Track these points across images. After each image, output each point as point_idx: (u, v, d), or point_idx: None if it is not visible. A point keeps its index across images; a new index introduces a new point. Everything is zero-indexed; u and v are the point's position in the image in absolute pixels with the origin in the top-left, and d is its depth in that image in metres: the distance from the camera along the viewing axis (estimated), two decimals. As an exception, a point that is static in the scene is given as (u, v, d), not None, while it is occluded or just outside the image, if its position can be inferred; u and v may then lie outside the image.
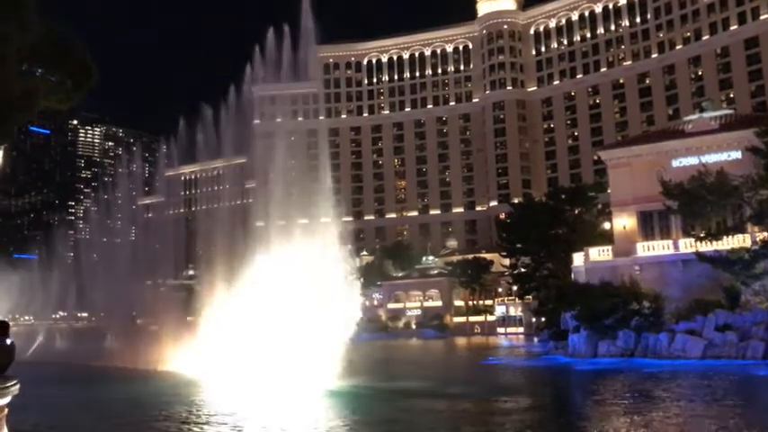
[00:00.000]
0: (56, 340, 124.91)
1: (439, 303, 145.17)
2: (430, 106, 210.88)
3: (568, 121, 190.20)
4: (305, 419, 30.66)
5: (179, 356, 64.98)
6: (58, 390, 46.09)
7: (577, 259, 74.10)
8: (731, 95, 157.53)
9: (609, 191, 78.59)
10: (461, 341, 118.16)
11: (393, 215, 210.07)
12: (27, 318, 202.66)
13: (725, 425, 25.42)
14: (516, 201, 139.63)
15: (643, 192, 66.78)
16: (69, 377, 58.50)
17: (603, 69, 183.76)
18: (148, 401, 38.06)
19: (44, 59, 8.82)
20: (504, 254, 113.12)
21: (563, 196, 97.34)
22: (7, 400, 8.95)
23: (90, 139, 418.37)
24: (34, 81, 8.80)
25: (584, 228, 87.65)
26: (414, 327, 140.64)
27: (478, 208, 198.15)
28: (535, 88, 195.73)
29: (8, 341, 11.49)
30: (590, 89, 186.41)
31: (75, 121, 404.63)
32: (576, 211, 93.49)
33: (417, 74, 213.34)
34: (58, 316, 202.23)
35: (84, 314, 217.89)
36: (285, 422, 29.73)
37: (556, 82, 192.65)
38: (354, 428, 28.28)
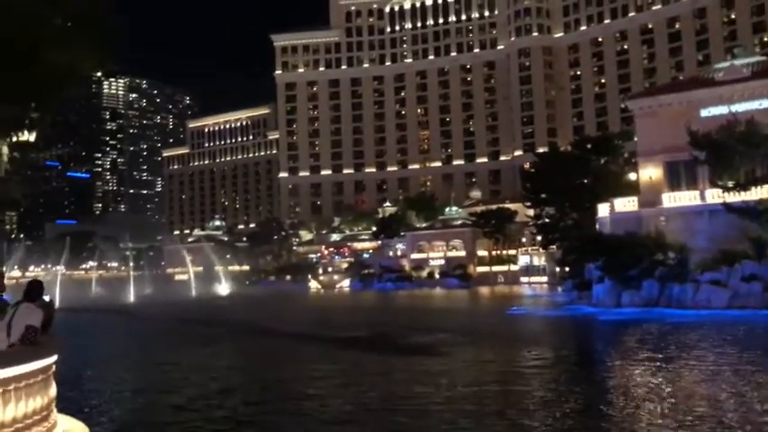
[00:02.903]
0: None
1: (462, 253, 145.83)
2: (454, 54, 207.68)
3: (595, 68, 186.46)
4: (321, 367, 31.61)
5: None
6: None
7: (602, 210, 73.80)
8: (765, 39, 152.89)
9: (635, 140, 77.61)
10: (485, 291, 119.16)
11: (416, 166, 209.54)
12: (58, 268, 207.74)
13: (752, 378, 25.69)
14: (541, 150, 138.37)
15: (670, 141, 65.82)
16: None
17: (632, 14, 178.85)
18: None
19: (80, 32, 9.08)
20: (529, 204, 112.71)
21: (588, 145, 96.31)
22: (54, 357, 9.46)
23: (114, 91, 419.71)
24: (77, 52, 9.08)
25: (609, 178, 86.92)
26: (437, 276, 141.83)
27: (503, 158, 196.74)
28: (561, 34, 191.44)
29: (46, 298, 11.84)
30: (618, 35, 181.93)
31: (98, 73, 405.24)
32: (602, 161, 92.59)
33: (441, 21, 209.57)
34: (88, 266, 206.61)
35: (114, 264, 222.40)
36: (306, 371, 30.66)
37: (583, 27, 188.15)
38: (371, 380, 29.12)
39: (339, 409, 22.52)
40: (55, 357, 9.44)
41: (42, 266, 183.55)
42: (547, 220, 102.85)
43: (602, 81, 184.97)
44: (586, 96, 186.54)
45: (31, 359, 8.33)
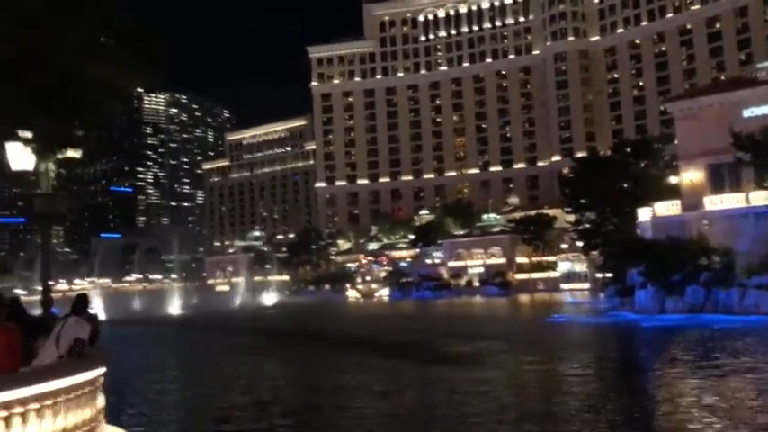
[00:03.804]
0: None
1: (501, 260, 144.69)
2: (489, 60, 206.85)
3: (633, 71, 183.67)
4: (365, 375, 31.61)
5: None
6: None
7: (643, 214, 72.54)
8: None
9: (676, 143, 76.17)
10: (525, 298, 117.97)
11: (453, 173, 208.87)
12: (104, 281, 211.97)
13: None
14: (580, 155, 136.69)
15: (712, 143, 64.43)
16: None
17: (670, 15, 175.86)
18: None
19: (124, 50, 9.35)
20: (568, 209, 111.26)
21: (628, 149, 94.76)
22: (102, 369, 9.65)
23: (155, 106, 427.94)
24: (121, 70, 9.35)
25: (650, 182, 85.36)
26: (476, 284, 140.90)
27: (540, 163, 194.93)
28: (598, 38, 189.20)
29: (92, 311, 12.08)
30: (656, 36, 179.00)
31: (139, 89, 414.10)
32: (642, 165, 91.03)
33: (475, 27, 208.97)
34: (133, 278, 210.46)
35: (157, 276, 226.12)
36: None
37: (619, 30, 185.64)
38: (411, 388, 29.04)
39: (375, 420, 22.41)
40: (102, 369, 9.65)
41: (88, 279, 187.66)
42: (587, 226, 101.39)
43: (641, 84, 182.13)
44: (625, 100, 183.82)
45: (79, 371, 8.53)
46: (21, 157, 11.83)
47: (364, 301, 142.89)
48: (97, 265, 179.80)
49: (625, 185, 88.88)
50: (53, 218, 12.46)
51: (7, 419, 7.15)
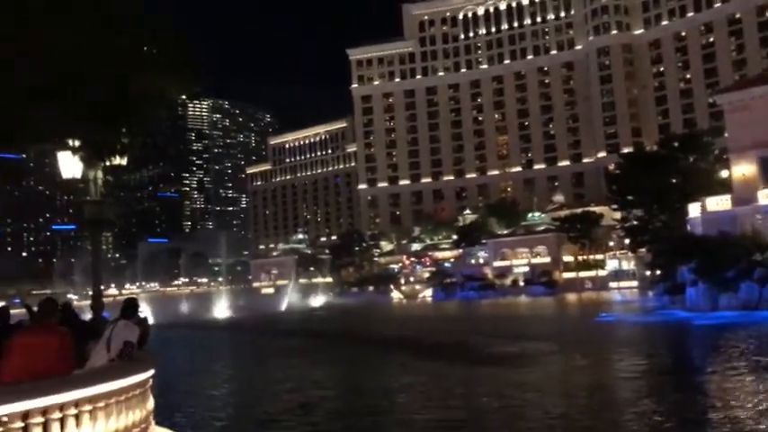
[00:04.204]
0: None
1: (547, 260, 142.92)
2: (530, 57, 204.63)
3: (680, 63, 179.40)
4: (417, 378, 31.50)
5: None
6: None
7: (693, 210, 70.83)
8: None
9: (726, 136, 74.15)
10: (572, 297, 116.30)
11: (496, 172, 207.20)
12: (152, 285, 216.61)
13: None
14: (626, 150, 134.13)
15: (765, 135, 62.52)
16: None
17: (717, 5, 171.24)
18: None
19: (168, 60, 9.49)
20: (615, 206, 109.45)
21: (676, 143, 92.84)
22: (151, 372, 9.77)
23: (198, 113, 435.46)
24: (164, 79, 9.51)
25: (699, 176, 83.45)
26: (522, 284, 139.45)
27: (585, 160, 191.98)
28: (642, 31, 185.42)
29: (141, 315, 12.26)
30: (703, 27, 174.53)
31: (183, 96, 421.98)
32: (691, 159, 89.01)
33: (515, 24, 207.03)
34: (180, 282, 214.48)
35: (204, 279, 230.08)
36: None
37: (664, 22, 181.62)
38: (466, 394, 28.79)
39: (418, 423, 22.22)
40: (152, 372, 9.78)
41: (137, 284, 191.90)
42: (635, 223, 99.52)
43: (688, 76, 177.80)
44: (671, 93, 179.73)
45: (130, 374, 8.65)
46: (70, 165, 12.12)
47: (408, 302, 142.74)
48: (145, 270, 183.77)
49: (674, 181, 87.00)
50: (102, 224, 12.72)
51: (62, 421, 7.28)
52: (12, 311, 13.06)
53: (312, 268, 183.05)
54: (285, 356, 45.83)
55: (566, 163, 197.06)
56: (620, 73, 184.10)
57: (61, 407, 7.27)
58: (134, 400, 8.75)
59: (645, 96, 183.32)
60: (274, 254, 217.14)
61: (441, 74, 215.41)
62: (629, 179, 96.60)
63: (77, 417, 7.52)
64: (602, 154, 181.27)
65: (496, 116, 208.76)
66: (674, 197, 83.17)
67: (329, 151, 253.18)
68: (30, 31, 7.53)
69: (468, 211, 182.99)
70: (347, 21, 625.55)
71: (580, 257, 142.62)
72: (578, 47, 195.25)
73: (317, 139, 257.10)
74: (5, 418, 6.73)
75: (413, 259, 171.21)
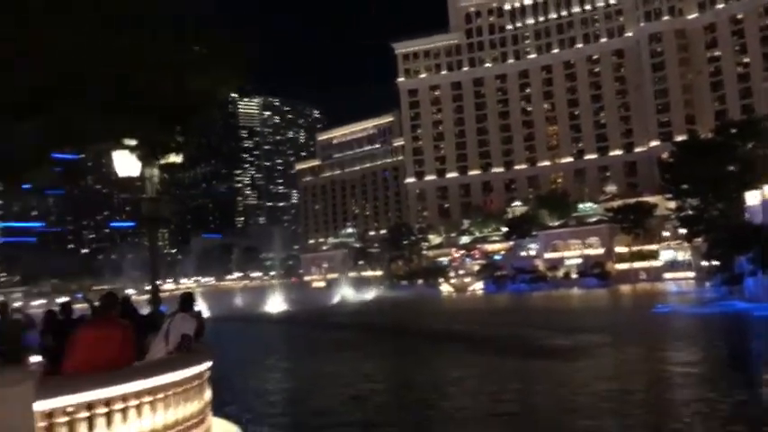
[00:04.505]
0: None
1: (600, 251, 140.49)
2: (579, 45, 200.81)
3: (737, 47, 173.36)
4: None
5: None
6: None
7: (752, 198, 68.64)
8: None
9: (787, 121, 71.55)
10: (625, 289, 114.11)
11: (546, 163, 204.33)
12: (206, 279, 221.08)
13: None
14: (680, 138, 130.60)
15: (829, 119, 60.06)
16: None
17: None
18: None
19: (219, 59, 9.71)
20: (669, 196, 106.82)
21: (733, 130, 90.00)
22: (208, 364, 10.01)
23: (249, 111, 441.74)
24: (216, 78, 9.75)
25: (758, 163, 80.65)
26: (574, 276, 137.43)
27: (638, 149, 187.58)
28: (696, 15, 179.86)
29: (197, 309, 12.56)
30: (761, 9, 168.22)
31: (234, 95, 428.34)
32: (749, 146, 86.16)
33: (564, 12, 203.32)
34: (234, 276, 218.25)
35: (257, 273, 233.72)
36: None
37: (720, 6, 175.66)
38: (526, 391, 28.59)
39: (468, 416, 22.06)
40: (209, 364, 10.04)
41: (192, 278, 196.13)
42: (690, 212, 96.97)
43: (745, 60, 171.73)
44: (728, 78, 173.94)
45: (188, 366, 8.91)
46: (127, 164, 12.50)
47: (458, 295, 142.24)
48: (199, 265, 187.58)
49: (731, 168, 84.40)
50: (159, 220, 13.08)
51: (123, 411, 7.55)
52: (74, 306, 13.57)
53: (362, 262, 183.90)
54: (337, 349, 46.27)
55: (617, 152, 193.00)
56: (674, 59, 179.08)
57: (123, 398, 7.54)
58: (192, 392, 9.00)
59: (699, 82, 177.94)
60: (324, 248, 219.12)
61: (488, 65, 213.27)
62: (684, 167, 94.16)
63: (138, 407, 7.79)
64: (654, 143, 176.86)
65: (546, 106, 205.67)
66: (732, 185, 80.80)
67: (377, 146, 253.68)
68: (95, 38, 7.82)
69: (517, 203, 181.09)
70: (392, 15, 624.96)
71: (633, 248, 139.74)
72: (629, 34, 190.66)
73: (365, 133, 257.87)
74: (71, 408, 7.02)
75: (462, 252, 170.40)
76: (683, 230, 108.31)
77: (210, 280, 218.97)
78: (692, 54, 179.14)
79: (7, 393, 5.96)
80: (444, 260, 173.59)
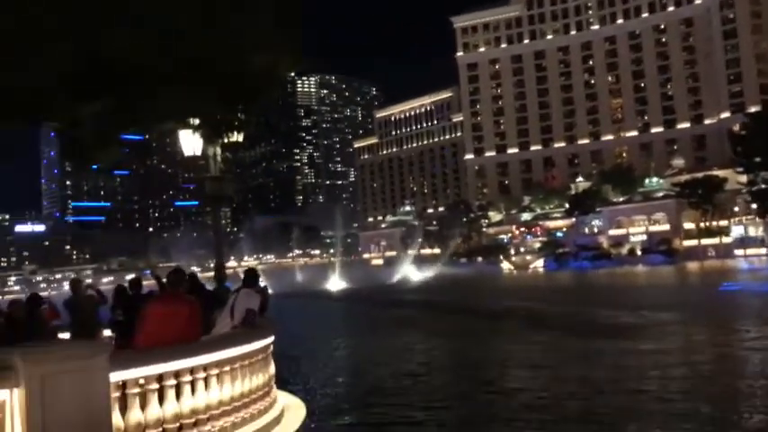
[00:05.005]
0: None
1: (666, 227, 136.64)
2: (645, 15, 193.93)
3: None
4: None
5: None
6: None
7: (832, 171, 65.32)
8: None
9: None
10: (693, 266, 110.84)
11: (610, 137, 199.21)
12: (267, 257, 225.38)
13: None
14: (753, 110, 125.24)
15: None
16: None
17: None
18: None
19: (280, 37, 9.73)
20: (740, 169, 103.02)
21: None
22: (272, 338, 10.17)
23: (306, 89, 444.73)
24: (277, 56, 9.78)
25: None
26: (639, 253, 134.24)
27: (707, 121, 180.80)
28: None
29: (261, 284, 12.76)
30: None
31: (292, 74, 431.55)
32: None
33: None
34: (294, 254, 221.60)
35: (316, 251, 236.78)
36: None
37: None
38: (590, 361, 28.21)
39: (526, 396, 21.66)
40: (272, 338, 10.21)
41: (254, 256, 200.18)
42: (763, 186, 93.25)
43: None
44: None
45: (253, 340, 9.08)
46: (191, 143, 12.74)
47: (519, 272, 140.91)
48: (261, 243, 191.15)
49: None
50: (222, 199, 13.31)
51: (192, 384, 7.75)
52: (143, 282, 14.00)
53: (420, 240, 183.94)
54: (398, 327, 46.55)
55: (685, 125, 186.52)
56: (746, 26, 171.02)
57: (191, 370, 7.73)
58: (257, 365, 9.17)
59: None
60: (383, 226, 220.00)
61: (549, 37, 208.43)
62: (757, 139, 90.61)
63: (206, 380, 7.98)
64: (725, 114, 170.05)
65: (609, 78, 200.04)
66: (809, 158, 77.10)
67: (435, 122, 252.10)
68: (157, 14, 7.91)
69: (580, 179, 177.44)
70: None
71: (702, 224, 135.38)
72: (698, 1, 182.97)
73: (423, 110, 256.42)
74: (143, 380, 7.24)
75: (523, 229, 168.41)
76: (754, 205, 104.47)
77: (271, 258, 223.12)
78: (766, 21, 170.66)
79: (85, 365, 6.19)
80: (504, 237, 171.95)
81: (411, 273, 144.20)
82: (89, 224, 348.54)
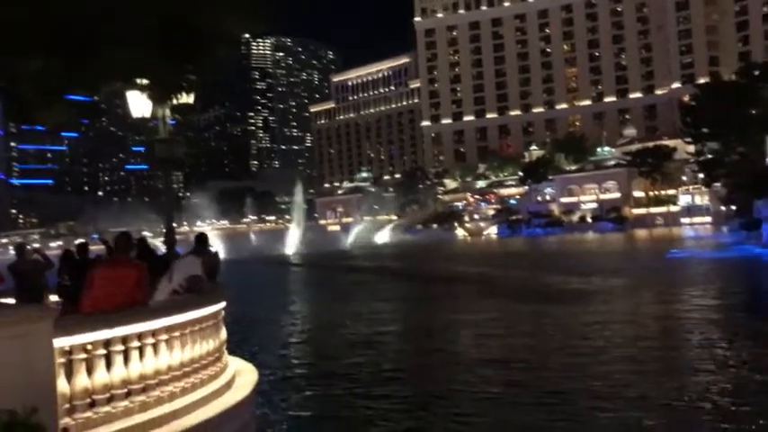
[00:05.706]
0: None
1: (616, 195, 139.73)
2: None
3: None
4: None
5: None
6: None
7: (774, 142, 67.46)
8: None
9: (814, 62, 69.63)
10: (642, 233, 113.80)
11: (564, 105, 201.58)
12: (223, 222, 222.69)
13: None
14: (702, 81, 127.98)
15: None
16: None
17: None
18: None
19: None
20: (689, 140, 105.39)
21: (757, 72, 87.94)
22: (223, 304, 10.09)
23: (261, 52, 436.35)
24: (229, 16, 9.53)
25: (782, 106, 79.05)
26: (589, 220, 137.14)
27: (658, 91, 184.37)
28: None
29: (212, 249, 12.60)
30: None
31: (246, 35, 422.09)
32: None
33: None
34: (248, 219, 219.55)
35: (271, 217, 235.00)
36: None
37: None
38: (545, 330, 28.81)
39: (474, 363, 22.06)
40: (224, 304, 10.13)
41: (207, 221, 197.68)
42: (710, 156, 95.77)
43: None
44: (753, 19, 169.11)
45: (203, 305, 8.98)
46: (139, 104, 12.36)
47: (472, 239, 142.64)
48: (215, 208, 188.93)
49: (753, 112, 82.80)
50: (172, 162, 12.99)
51: (140, 349, 7.64)
52: (90, 247, 13.67)
53: (376, 206, 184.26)
54: (351, 291, 46.75)
55: (637, 95, 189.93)
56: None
57: (139, 336, 7.62)
58: (208, 331, 9.10)
59: (725, 23, 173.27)
60: (339, 192, 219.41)
61: (507, 4, 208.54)
62: (705, 111, 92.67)
63: (155, 345, 7.88)
64: (676, 85, 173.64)
65: (565, 47, 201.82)
66: (753, 129, 79.43)
67: (392, 88, 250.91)
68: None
69: (534, 147, 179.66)
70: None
71: (651, 193, 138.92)
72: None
73: (380, 75, 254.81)
74: (90, 346, 7.11)
75: (477, 197, 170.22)
76: (701, 175, 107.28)
77: (225, 223, 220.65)
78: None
79: (28, 329, 6.04)
80: (459, 205, 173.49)
81: (367, 238, 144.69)
82: (36, 187, 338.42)
